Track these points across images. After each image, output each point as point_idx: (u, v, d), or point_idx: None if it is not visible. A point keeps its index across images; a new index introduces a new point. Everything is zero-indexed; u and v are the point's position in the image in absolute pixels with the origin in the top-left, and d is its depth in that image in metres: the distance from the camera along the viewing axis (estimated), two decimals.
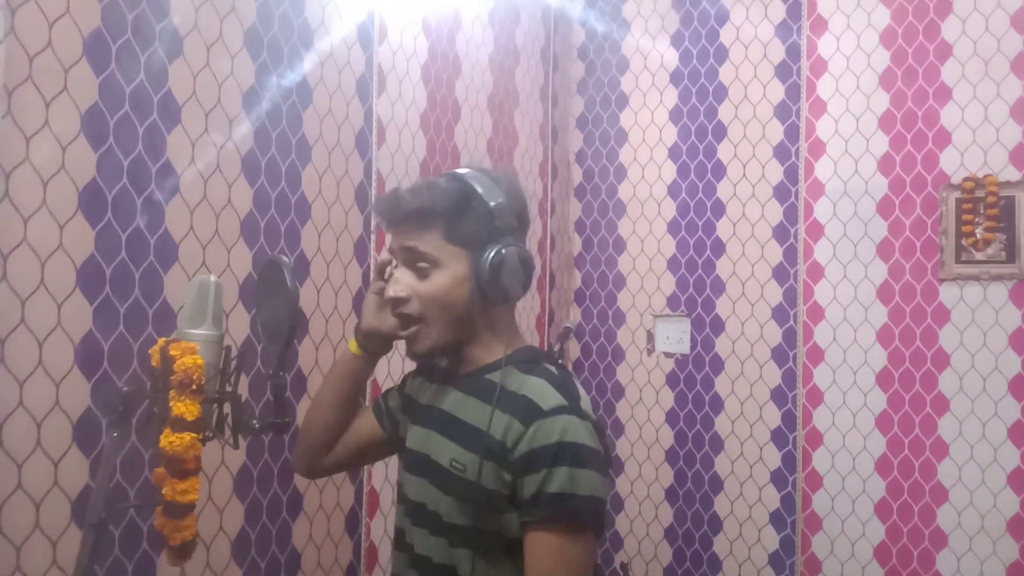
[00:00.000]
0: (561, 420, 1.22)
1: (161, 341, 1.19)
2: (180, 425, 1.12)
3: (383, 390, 1.57)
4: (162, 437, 1.13)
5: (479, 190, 1.29)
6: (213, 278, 1.23)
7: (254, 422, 1.26)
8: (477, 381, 1.32)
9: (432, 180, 1.35)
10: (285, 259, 1.39)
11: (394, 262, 1.37)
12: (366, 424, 1.51)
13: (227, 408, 1.23)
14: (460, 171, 1.35)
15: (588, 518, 1.21)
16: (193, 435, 1.13)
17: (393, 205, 1.31)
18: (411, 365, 1.53)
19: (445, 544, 1.28)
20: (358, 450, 1.52)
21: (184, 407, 1.12)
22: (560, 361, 1.38)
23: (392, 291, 1.31)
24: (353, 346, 1.47)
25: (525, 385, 1.28)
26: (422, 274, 1.29)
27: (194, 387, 1.13)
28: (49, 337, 1.47)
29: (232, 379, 1.23)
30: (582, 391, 1.31)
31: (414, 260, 1.30)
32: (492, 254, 1.27)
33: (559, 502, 1.19)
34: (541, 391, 1.26)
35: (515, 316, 1.41)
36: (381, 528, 2.32)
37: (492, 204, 1.29)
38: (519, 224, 1.33)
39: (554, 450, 1.20)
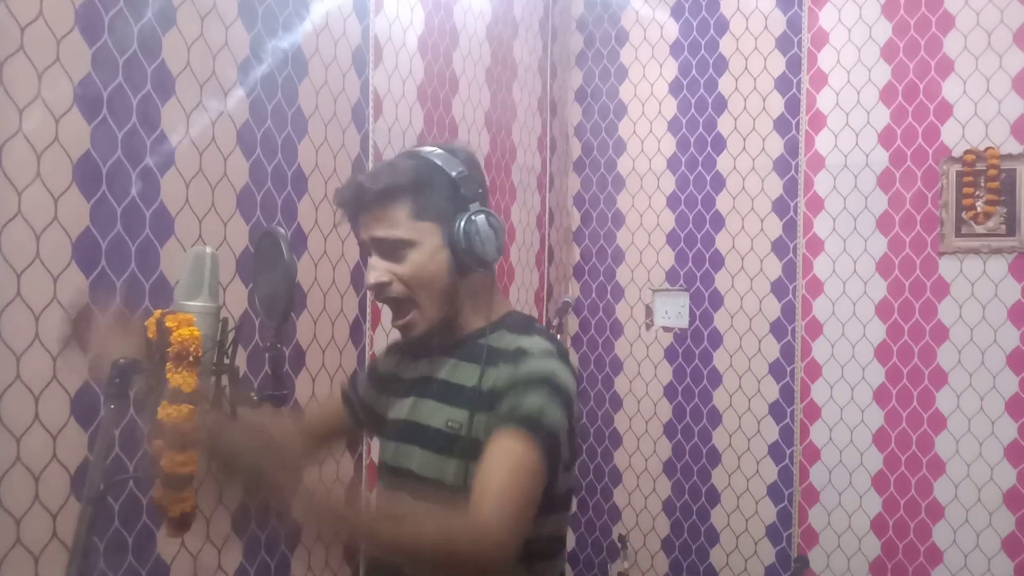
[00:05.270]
0: (549, 362, 1.25)
1: (157, 313, 1.18)
2: (177, 397, 1.12)
3: (351, 377, 1.54)
4: (159, 409, 1.13)
5: (438, 163, 1.29)
6: (209, 249, 1.22)
7: (252, 394, 1.26)
8: (471, 345, 1.32)
9: (389, 161, 1.36)
10: (282, 231, 1.38)
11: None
12: (336, 414, 1.50)
13: (225, 380, 1.22)
14: (415, 149, 1.35)
15: (547, 444, 1.18)
16: (190, 407, 1.13)
17: (356, 192, 1.29)
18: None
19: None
20: (324, 439, 1.53)
21: (181, 379, 1.12)
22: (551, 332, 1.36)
23: (373, 278, 1.29)
24: None
25: (517, 341, 1.29)
26: (398, 257, 1.28)
27: (191, 359, 1.13)
28: (45, 311, 1.47)
29: (229, 351, 1.22)
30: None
31: (388, 248, 1.28)
32: (463, 222, 1.27)
33: (527, 421, 1.18)
34: (535, 343, 1.28)
35: (496, 281, 1.40)
36: None
37: (454, 174, 1.29)
38: (482, 193, 1.32)
39: (536, 379, 1.22)
